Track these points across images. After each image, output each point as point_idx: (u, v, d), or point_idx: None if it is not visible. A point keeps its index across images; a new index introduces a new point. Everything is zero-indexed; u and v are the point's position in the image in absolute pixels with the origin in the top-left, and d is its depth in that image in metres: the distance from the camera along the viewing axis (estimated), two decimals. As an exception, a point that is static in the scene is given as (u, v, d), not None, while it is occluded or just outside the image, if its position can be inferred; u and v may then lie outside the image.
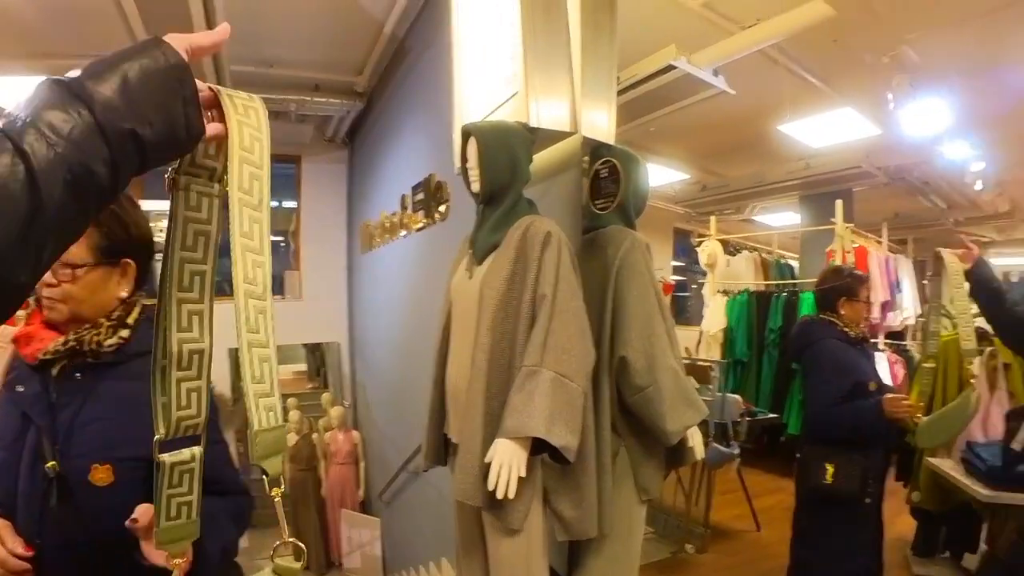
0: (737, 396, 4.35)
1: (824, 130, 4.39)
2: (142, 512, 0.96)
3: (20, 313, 1.17)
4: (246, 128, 0.70)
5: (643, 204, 1.81)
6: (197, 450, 0.78)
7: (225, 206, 0.71)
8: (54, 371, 1.10)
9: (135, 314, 1.18)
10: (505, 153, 1.56)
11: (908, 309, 5.33)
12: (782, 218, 6.99)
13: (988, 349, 2.65)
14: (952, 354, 2.87)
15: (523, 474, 1.33)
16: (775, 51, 3.32)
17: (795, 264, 6.22)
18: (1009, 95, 3.69)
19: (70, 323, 1.12)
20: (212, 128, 0.69)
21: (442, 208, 3.32)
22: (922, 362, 2.96)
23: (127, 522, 0.96)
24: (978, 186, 4.86)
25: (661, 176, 5.76)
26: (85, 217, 0.57)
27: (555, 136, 1.80)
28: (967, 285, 2.28)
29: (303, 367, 8.86)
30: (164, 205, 0.76)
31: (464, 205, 2.11)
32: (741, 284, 5.76)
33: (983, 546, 2.87)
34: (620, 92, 1.90)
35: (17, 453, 1.08)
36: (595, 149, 1.83)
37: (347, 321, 6.33)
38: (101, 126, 0.55)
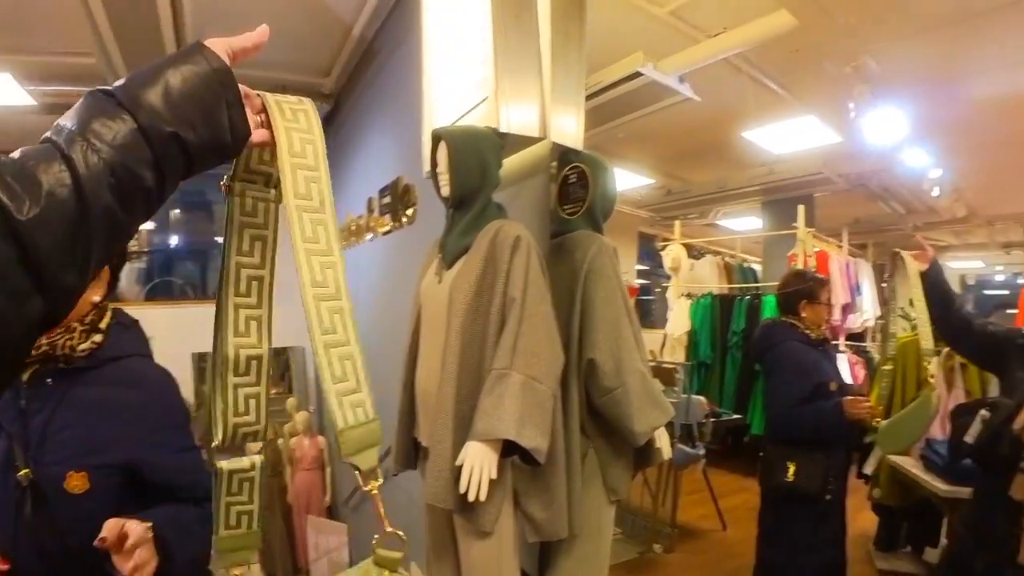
0: (702, 398, 4.42)
1: (786, 137, 4.49)
2: (109, 528, 0.95)
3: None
4: (295, 133, 0.69)
5: (611, 209, 1.83)
6: (258, 459, 0.78)
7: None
8: (25, 377, 1.08)
9: (107, 319, 1.17)
10: (475, 158, 1.56)
11: (868, 311, 5.47)
12: (745, 223, 7.09)
13: (945, 349, 2.73)
14: (911, 355, 2.96)
15: (494, 476, 1.34)
16: (740, 60, 3.38)
17: (758, 268, 6.34)
18: (965, 104, 3.82)
19: None
20: (258, 135, 0.69)
21: (409, 212, 3.30)
22: (881, 364, 3.04)
23: (95, 542, 0.94)
24: (936, 192, 5.00)
25: (626, 181, 5.81)
26: (133, 221, 0.59)
27: (524, 141, 1.81)
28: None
29: (268, 372, 8.73)
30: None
31: (431, 209, 2.11)
32: (705, 288, 5.85)
33: (944, 540, 2.96)
34: (587, 98, 1.92)
35: None
36: (563, 154, 1.85)
37: (312, 325, 6.21)
38: (144, 131, 0.57)
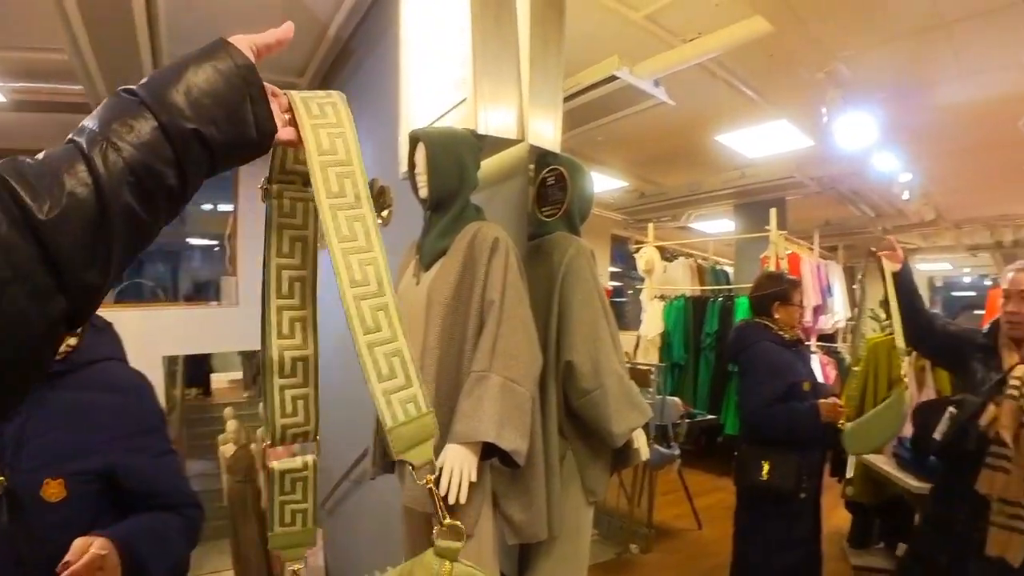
0: (676, 399, 4.46)
1: (759, 141, 4.55)
2: (75, 552, 0.94)
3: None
4: (323, 130, 0.69)
5: (588, 212, 1.84)
6: (311, 459, 0.78)
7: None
8: None
9: None
10: (453, 159, 1.56)
11: (839, 313, 5.55)
12: (718, 225, 7.17)
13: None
14: (882, 355, 3.01)
15: (474, 479, 1.34)
16: (714, 64, 3.42)
17: (730, 270, 6.40)
18: (934, 110, 3.91)
19: None
20: (286, 133, 0.68)
21: (384, 213, 3.28)
22: (851, 366, 3.09)
23: (58, 567, 0.92)
24: (905, 196, 5.09)
25: (600, 184, 5.83)
26: (156, 220, 0.59)
27: (502, 143, 1.81)
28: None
29: (239, 375, 8.61)
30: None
31: (407, 210, 2.10)
32: (678, 290, 5.89)
33: (916, 536, 3.01)
34: (563, 101, 1.93)
35: None
36: (540, 157, 1.86)
37: (286, 328, 6.15)
38: (164, 128, 0.57)
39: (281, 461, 0.77)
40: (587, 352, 1.61)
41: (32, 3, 3.02)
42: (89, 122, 0.56)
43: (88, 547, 0.95)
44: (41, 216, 0.50)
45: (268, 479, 0.76)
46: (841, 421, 2.39)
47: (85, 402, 1.11)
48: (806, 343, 3.44)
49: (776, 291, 2.60)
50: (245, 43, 0.65)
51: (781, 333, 2.55)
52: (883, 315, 2.55)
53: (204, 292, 6.54)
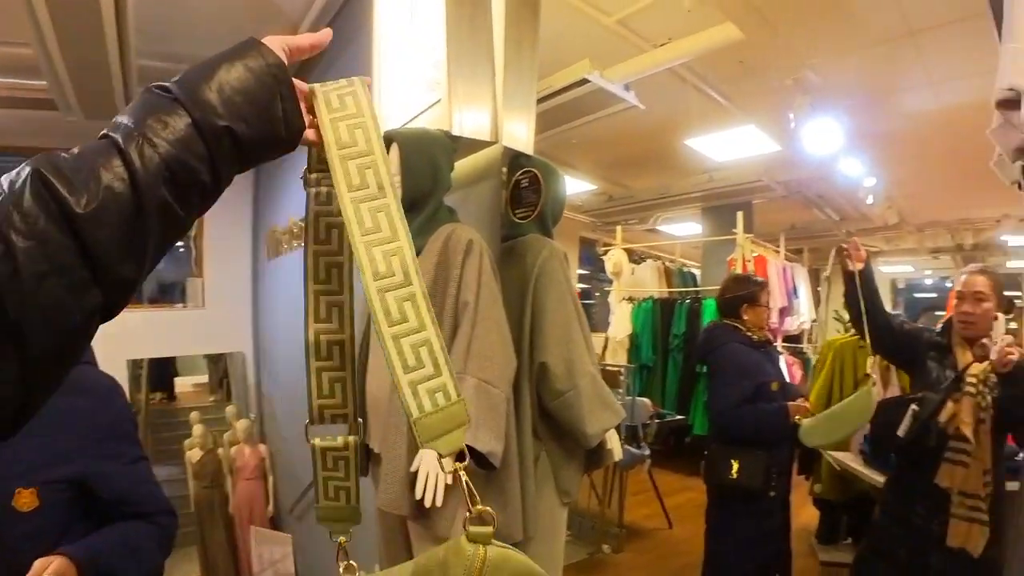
0: (646, 400, 4.50)
1: (728, 146, 4.60)
2: (32, 574, 0.92)
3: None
4: (341, 123, 0.69)
5: (560, 214, 1.86)
6: (351, 439, 0.78)
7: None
8: None
9: None
10: (427, 160, 1.56)
11: (804, 314, 5.65)
12: (685, 228, 7.21)
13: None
14: (847, 355, 3.07)
15: (450, 482, 1.33)
16: (684, 69, 3.46)
17: (697, 272, 6.46)
18: (899, 118, 4.00)
19: None
20: (311, 133, 0.69)
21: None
22: (816, 365, 3.14)
23: None
24: (869, 200, 5.18)
25: (569, 186, 5.80)
26: (189, 215, 0.60)
27: (476, 145, 1.81)
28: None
29: (204, 379, 8.45)
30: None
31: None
32: (646, 292, 5.93)
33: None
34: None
35: None
36: (513, 159, 1.86)
37: (252, 330, 6.05)
38: (198, 125, 0.58)
39: (322, 438, 0.78)
40: (560, 353, 1.62)
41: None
42: (123, 118, 0.57)
43: (45, 568, 0.94)
44: (79, 210, 0.51)
45: (311, 455, 0.79)
46: (798, 416, 2.43)
47: (58, 407, 1.07)
48: (774, 343, 3.50)
49: (744, 293, 2.64)
50: (277, 43, 0.67)
51: (750, 334, 2.59)
52: (846, 315, 2.60)
53: (169, 294, 6.39)
